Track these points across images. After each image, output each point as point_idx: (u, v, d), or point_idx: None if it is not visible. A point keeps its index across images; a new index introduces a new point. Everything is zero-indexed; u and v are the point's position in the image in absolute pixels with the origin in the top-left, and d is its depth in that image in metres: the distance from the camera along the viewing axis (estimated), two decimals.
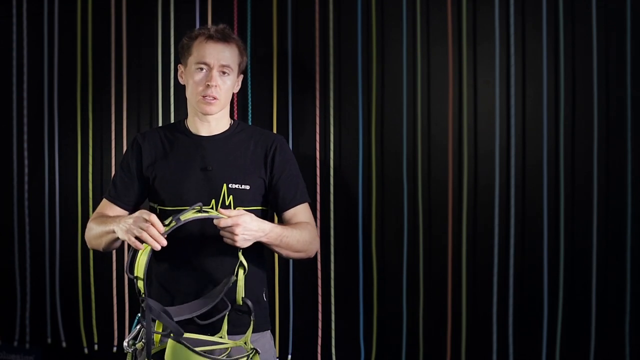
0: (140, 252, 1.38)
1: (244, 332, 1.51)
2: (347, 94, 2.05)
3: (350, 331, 2.04)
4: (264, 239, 1.49)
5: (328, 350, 2.06)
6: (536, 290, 1.88)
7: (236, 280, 1.49)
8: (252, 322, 1.50)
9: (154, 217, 1.37)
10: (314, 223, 1.68)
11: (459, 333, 1.94)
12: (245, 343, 1.50)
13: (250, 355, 1.49)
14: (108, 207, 1.65)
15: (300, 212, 1.64)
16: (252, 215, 1.46)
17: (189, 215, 1.39)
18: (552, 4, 1.87)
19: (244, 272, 1.49)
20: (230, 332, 1.52)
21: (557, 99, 1.87)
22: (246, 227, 1.42)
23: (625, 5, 1.80)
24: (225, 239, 1.44)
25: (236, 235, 1.41)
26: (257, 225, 1.46)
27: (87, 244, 1.64)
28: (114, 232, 1.47)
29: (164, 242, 1.37)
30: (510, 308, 1.88)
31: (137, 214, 1.41)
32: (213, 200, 1.56)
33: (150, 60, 2.25)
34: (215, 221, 1.42)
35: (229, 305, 1.50)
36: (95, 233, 1.57)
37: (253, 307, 1.50)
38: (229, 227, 1.41)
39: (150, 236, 1.36)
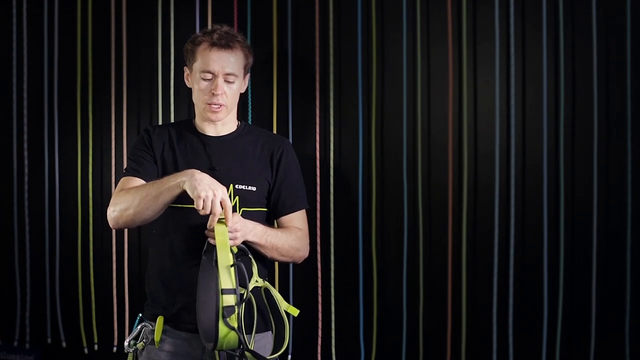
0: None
1: (252, 273, 1.53)
2: (347, 94, 2.05)
3: (350, 331, 2.04)
4: (250, 237, 1.51)
5: (328, 350, 2.06)
6: (536, 290, 1.88)
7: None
8: (253, 264, 1.54)
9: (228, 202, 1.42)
10: (306, 231, 1.68)
11: (459, 333, 1.94)
12: (256, 281, 1.53)
13: (262, 289, 1.57)
14: (132, 183, 1.58)
15: (296, 218, 1.66)
16: (237, 214, 1.50)
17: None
18: (552, 4, 1.86)
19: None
20: (241, 284, 1.51)
21: (557, 99, 1.87)
22: (242, 227, 1.48)
23: (625, 5, 1.80)
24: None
25: (237, 238, 1.47)
26: (251, 223, 1.52)
27: (115, 220, 1.54)
28: (179, 185, 1.44)
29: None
30: (510, 308, 1.88)
31: (220, 187, 1.42)
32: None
33: (150, 60, 2.24)
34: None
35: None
36: (144, 196, 1.48)
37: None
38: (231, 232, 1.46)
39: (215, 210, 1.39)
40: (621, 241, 1.81)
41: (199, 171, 1.45)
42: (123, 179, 1.61)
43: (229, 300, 1.38)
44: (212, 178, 1.44)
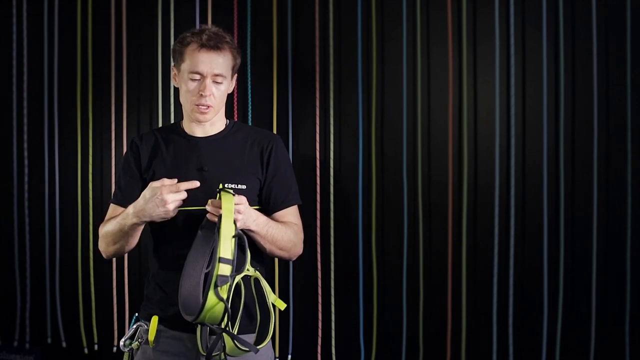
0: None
1: (245, 261, 1.49)
2: (347, 94, 2.05)
3: (350, 331, 2.04)
4: (252, 226, 1.50)
5: (328, 350, 2.06)
6: (536, 290, 1.88)
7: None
8: (247, 252, 1.48)
9: (165, 181, 1.43)
10: (301, 226, 1.67)
11: (459, 333, 1.94)
12: (247, 269, 1.48)
13: (252, 278, 1.50)
14: (117, 212, 1.60)
15: (290, 214, 1.65)
16: (243, 197, 1.49)
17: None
18: (552, 4, 1.87)
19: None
20: (237, 270, 1.47)
21: (557, 99, 1.87)
22: (246, 211, 1.47)
23: (625, 5, 1.80)
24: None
25: (239, 220, 1.44)
26: (255, 212, 1.51)
27: (104, 253, 1.60)
28: (135, 223, 1.47)
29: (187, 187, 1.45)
30: (510, 308, 1.88)
31: (147, 194, 1.43)
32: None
33: (150, 60, 2.25)
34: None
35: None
36: (117, 233, 1.53)
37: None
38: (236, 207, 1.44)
39: (178, 192, 1.42)
40: (621, 241, 1.81)
41: (141, 202, 1.45)
42: (110, 207, 1.64)
43: (224, 270, 1.35)
44: (149, 195, 1.44)
